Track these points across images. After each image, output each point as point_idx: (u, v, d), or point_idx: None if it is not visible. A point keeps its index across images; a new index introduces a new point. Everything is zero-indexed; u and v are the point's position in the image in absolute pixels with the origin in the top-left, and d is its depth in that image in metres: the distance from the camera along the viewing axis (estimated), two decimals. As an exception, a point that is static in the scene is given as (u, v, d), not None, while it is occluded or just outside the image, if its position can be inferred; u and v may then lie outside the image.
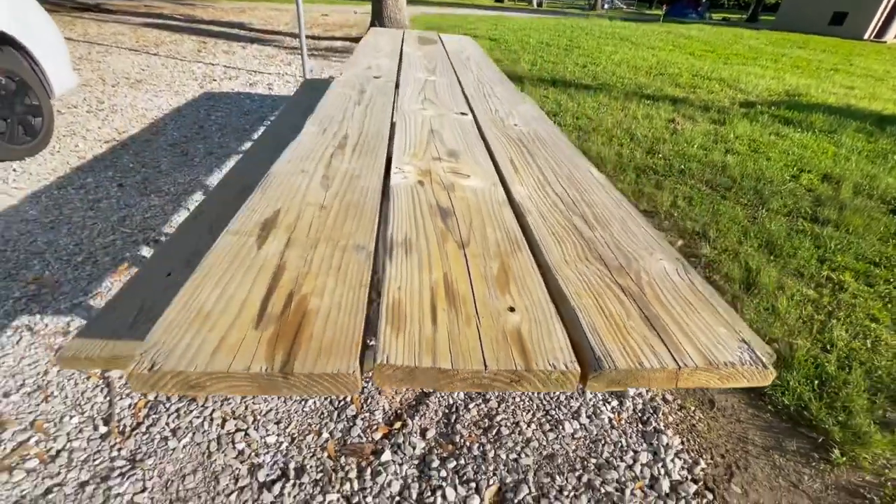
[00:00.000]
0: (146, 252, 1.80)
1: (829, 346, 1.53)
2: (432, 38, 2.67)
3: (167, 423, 1.16)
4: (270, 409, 1.22)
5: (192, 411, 1.19)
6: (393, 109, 1.29)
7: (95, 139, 2.73)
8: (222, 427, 1.16)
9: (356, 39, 6.74)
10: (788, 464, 1.19)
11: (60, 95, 2.70)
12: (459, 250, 0.64)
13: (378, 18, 6.54)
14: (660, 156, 3.11)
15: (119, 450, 1.09)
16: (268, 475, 1.06)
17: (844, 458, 1.18)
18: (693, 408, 1.35)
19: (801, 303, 1.74)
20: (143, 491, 1.02)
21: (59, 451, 1.08)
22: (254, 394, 0.43)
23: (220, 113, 3.35)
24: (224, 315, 0.49)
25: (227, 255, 0.58)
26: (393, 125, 1.17)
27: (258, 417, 1.19)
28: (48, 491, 1.00)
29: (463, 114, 1.28)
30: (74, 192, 2.15)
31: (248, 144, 2.85)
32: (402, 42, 2.42)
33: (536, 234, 0.70)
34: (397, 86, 1.55)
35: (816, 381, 1.39)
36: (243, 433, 1.15)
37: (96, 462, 1.06)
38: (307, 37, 5.04)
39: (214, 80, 4.17)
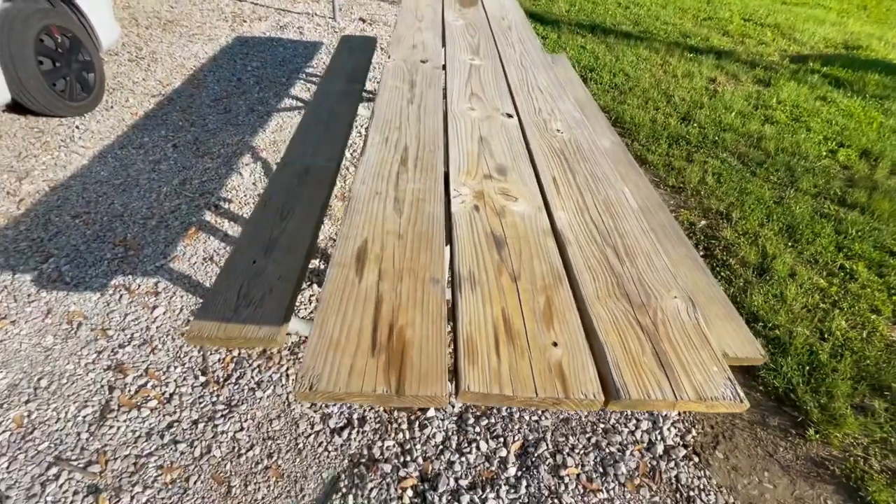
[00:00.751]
0: (209, 217, 2.00)
1: (826, 335, 1.69)
2: (472, -5, 2.60)
3: (252, 377, 1.42)
4: (334, 368, 1.46)
5: (270, 368, 1.44)
6: (444, 108, 1.38)
7: (143, 93, 2.84)
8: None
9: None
10: (768, 437, 1.41)
11: (108, 48, 2.78)
12: (513, 283, 0.81)
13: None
14: (695, 123, 3.08)
15: (217, 396, 1.36)
16: (336, 423, 1.32)
17: (818, 436, 1.39)
18: (692, 384, 1.55)
19: (810, 291, 1.87)
20: (241, 430, 1.29)
21: (171, 395, 1.36)
22: (375, 405, 0.63)
23: (256, 63, 3.38)
24: (348, 344, 0.67)
25: (338, 287, 0.76)
26: (446, 129, 1.27)
27: (325, 375, 1.44)
28: (169, 426, 1.29)
29: (508, 115, 1.37)
30: (135, 153, 2.32)
31: (287, 101, 2.93)
32: (443, 3, 2.38)
33: (575, 267, 0.86)
34: (444, 72, 1.61)
35: (807, 367, 1.57)
36: (314, 387, 1.40)
37: (202, 405, 1.34)
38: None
39: (245, 22, 4.12)
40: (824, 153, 2.88)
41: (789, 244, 2.12)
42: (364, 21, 4.43)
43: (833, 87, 3.85)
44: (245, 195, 2.14)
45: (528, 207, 1.00)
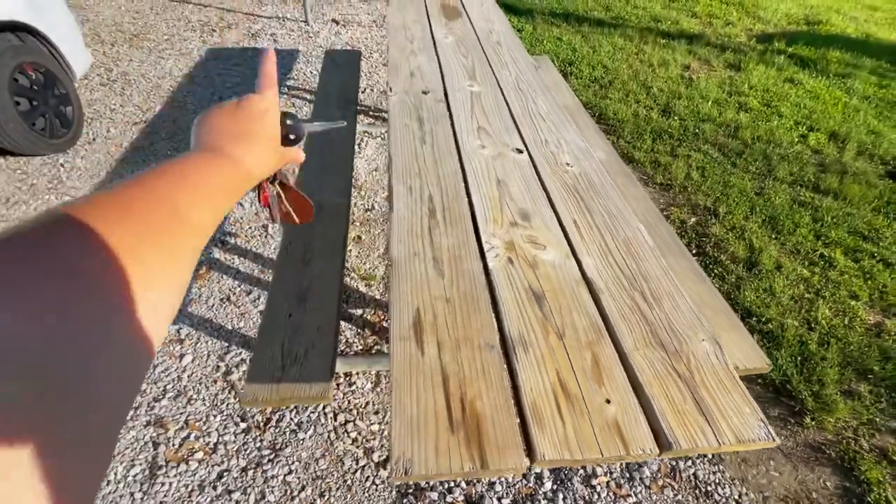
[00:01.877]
0: (217, 254, 2.00)
1: (813, 325, 1.84)
2: (455, 4, 2.60)
3: (291, 419, 1.47)
4: (368, 402, 1.53)
5: (307, 408, 1.50)
6: (455, 144, 1.43)
7: (123, 121, 2.76)
8: (335, 419, 1.47)
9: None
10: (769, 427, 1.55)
11: (81, 77, 2.67)
12: (560, 342, 0.88)
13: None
14: (675, 116, 3.19)
15: (261, 441, 1.42)
16: (380, 456, 1.40)
17: (813, 423, 1.54)
18: (699, 383, 1.69)
19: (795, 282, 2.02)
20: (290, 473, 1.35)
21: (216, 444, 1.40)
22: (461, 478, 0.71)
23: (235, 79, 3.30)
24: (428, 424, 0.74)
25: (404, 364, 0.82)
26: (462, 170, 1.32)
27: (360, 410, 1.51)
28: (220, 475, 1.34)
29: (519, 151, 1.43)
30: (129, 189, 2.27)
31: (273, 120, 2.88)
32: (428, 17, 2.38)
33: (611, 317, 0.94)
34: (447, 103, 1.65)
35: (800, 358, 1.72)
36: (353, 423, 1.47)
37: (247, 451, 1.39)
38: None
39: (214, 31, 3.98)
40: (796, 139, 3.04)
41: (773, 236, 2.27)
42: (337, 23, 4.34)
43: (799, 68, 4.02)
44: (250, 227, 2.14)
45: (556, 255, 1.07)
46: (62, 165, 2.38)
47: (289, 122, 0.50)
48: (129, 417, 1.44)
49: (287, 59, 3.61)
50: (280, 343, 1.20)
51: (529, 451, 0.73)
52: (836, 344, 1.77)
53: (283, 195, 0.54)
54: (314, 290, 1.34)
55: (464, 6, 2.58)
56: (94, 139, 2.59)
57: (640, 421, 0.77)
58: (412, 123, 1.52)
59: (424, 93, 1.71)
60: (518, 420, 0.77)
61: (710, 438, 0.76)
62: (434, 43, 2.10)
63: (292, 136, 0.50)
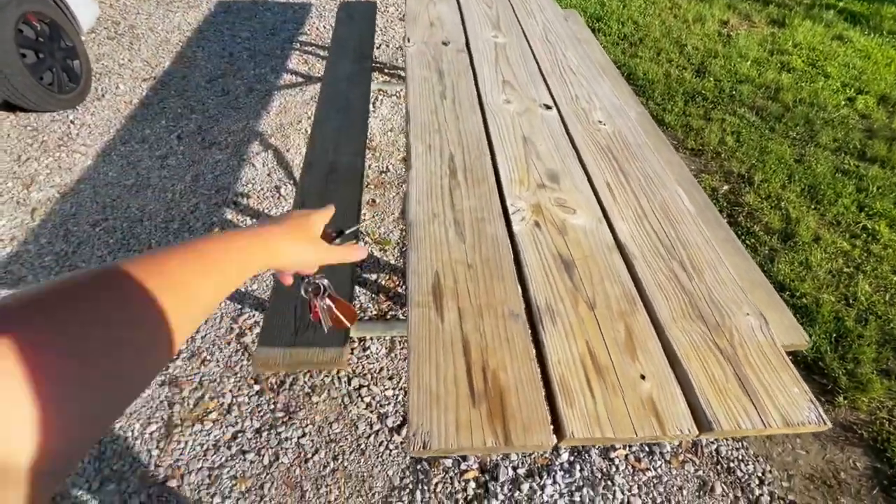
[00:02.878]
0: (230, 215, 1.96)
1: (851, 301, 1.74)
2: (477, -51, 2.39)
3: (305, 382, 1.46)
4: (382, 368, 1.50)
5: (321, 372, 1.48)
6: (479, 99, 1.33)
7: (132, 77, 2.68)
8: (349, 384, 1.46)
9: None
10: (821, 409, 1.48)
11: (88, 30, 2.58)
12: (590, 312, 0.82)
13: None
14: (710, 76, 2.98)
15: (275, 403, 1.41)
16: (394, 422, 1.38)
17: (846, 402, 1.47)
18: (725, 358, 1.62)
19: (834, 256, 1.90)
20: (304, 436, 1.35)
21: (230, 405, 1.40)
22: (483, 454, 0.66)
23: (245, 33, 3.17)
24: (448, 395, 0.69)
25: (423, 331, 0.77)
26: (486, 128, 1.23)
27: (374, 376, 1.48)
28: (234, 436, 1.34)
29: (547, 107, 1.32)
30: (139, 148, 2.23)
31: (286, 76, 2.78)
32: (449, -38, 2.20)
33: (647, 287, 0.86)
34: (469, 55, 1.53)
35: (834, 335, 1.63)
36: (367, 388, 1.45)
37: (261, 413, 1.39)
38: None
39: (224, -17, 3.80)
40: (842, 102, 2.82)
41: (812, 206, 2.13)
42: (351, -26, 4.10)
43: (849, 25, 3.70)
44: (262, 188, 2.09)
45: (588, 220, 0.99)
46: (72, 122, 2.33)
47: (328, 228, 0.58)
48: (145, 376, 1.45)
49: (299, 13, 3.45)
50: (293, 307, 1.16)
51: (557, 427, 0.68)
52: (875, 321, 1.67)
53: (332, 307, 0.63)
54: (327, 252, 1.29)
55: (487, -49, 2.38)
56: (103, 95, 2.52)
57: (677, 398, 0.71)
58: (432, 76, 1.42)
59: (444, 44, 1.58)
60: (545, 394, 0.71)
61: (754, 419, 0.70)
62: (455, -10, 1.95)
63: (337, 241, 0.59)
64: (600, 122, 1.29)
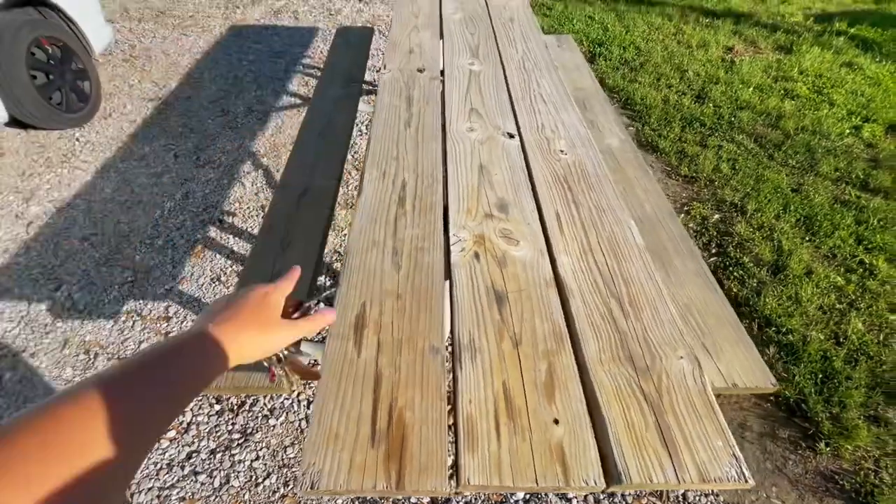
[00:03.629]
0: (213, 233, 2.00)
1: (842, 339, 1.65)
2: (471, -22, 2.45)
3: (265, 404, 1.45)
4: (344, 392, 1.49)
5: (282, 395, 1.47)
6: (443, 128, 1.33)
7: (140, 97, 2.80)
8: (308, 408, 1.44)
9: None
10: (778, 450, 1.41)
11: (101, 52, 2.72)
12: (514, 350, 0.79)
13: None
14: (710, 102, 2.94)
15: (233, 424, 1.40)
16: (349, 449, 1.36)
17: (828, 449, 1.39)
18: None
19: (826, 291, 1.82)
20: (257, 459, 1.34)
21: (189, 424, 1.40)
22: (374, 496, 0.64)
23: (252, 56, 3.29)
24: (348, 434, 0.68)
25: (336, 365, 0.76)
26: (445, 155, 1.23)
27: (335, 399, 1.47)
28: (189, 456, 1.34)
29: (510, 135, 1.32)
30: (137, 165, 2.31)
31: (285, 98, 2.87)
32: (440, -9, 2.25)
33: (578, 325, 0.84)
34: (442, 82, 1.55)
35: (821, 375, 1.55)
36: (325, 413, 1.43)
37: (218, 433, 1.38)
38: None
39: (238, 8, 3.98)
40: (847, 130, 2.74)
41: (806, 238, 2.05)
42: (361, 0, 4.25)
43: (860, 51, 3.62)
44: (248, 207, 2.13)
45: (530, 252, 0.97)
46: (77, 139, 2.44)
47: (291, 309, 0.56)
48: (110, 391, 1.47)
49: (306, 37, 3.57)
50: (243, 329, 1.16)
51: (456, 472, 0.66)
52: (865, 362, 1.58)
53: (287, 373, 0.60)
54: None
55: (480, -20, 2.43)
56: (110, 114, 2.64)
57: (588, 446, 0.68)
58: (400, 103, 1.44)
59: (420, 70, 1.61)
60: (451, 436, 0.69)
61: (668, 473, 0.66)
62: (441, 19, 1.99)
63: (296, 315, 0.56)
64: (562, 151, 1.28)
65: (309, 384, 1.50)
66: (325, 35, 3.60)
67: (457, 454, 0.67)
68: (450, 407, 0.73)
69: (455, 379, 0.76)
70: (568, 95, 1.53)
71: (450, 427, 0.70)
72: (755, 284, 1.85)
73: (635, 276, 0.94)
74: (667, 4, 4.29)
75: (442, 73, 1.61)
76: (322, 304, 0.61)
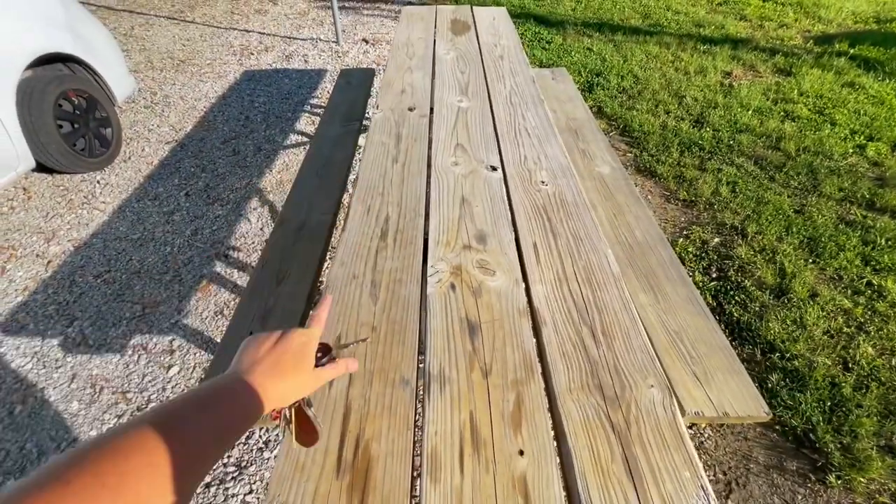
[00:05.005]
0: (219, 267, 2.07)
1: (851, 365, 1.60)
2: (466, 19, 2.58)
3: (260, 436, 1.47)
4: (338, 424, 1.49)
5: (278, 427, 1.49)
6: (428, 163, 1.39)
7: (157, 140, 2.97)
8: (302, 440, 1.45)
9: (387, -19, 6.35)
10: (785, 483, 1.35)
11: (123, 101, 2.91)
12: (483, 380, 0.80)
13: (409, -43, 6.09)
14: (708, 127, 2.96)
15: (228, 457, 1.42)
16: (341, 482, 1.35)
17: (839, 482, 1.32)
18: (704, 424, 1.51)
19: (832, 314, 1.77)
20: (250, 492, 1.34)
21: (185, 457, 1.42)
22: (340, 529, 0.65)
23: (263, 98, 3.46)
24: (314, 464, 0.69)
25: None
26: (428, 189, 1.28)
27: (329, 431, 1.47)
28: (184, 489, 1.35)
29: (493, 168, 1.36)
30: (151, 205, 2.43)
31: (293, 137, 3.00)
32: (435, 32, 2.37)
33: (549, 354, 0.85)
34: (431, 120, 1.61)
35: (829, 403, 1.49)
36: (319, 445, 1.44)
37: (214, 467, 1.40)
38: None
39: (252, 55, 4.23)
40: (851, 150, 2.71)
41: (810, 260, 2.01)
42: (367, 42, 4.47)
43: (862, 71, 3.62)
44: (253, 242, 2.21)
45: (505, 281, 0.99)
46: (98, 182, 2.59)
47: (318, 353, 0.57)
48: (112, 424, 1.51)
49: (314, 78, 3.76)
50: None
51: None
52: (877, 389, 1.52)
53: (291, 420, 0.56)
54: (278, 310, 1.34)
55: (475, 21, 2.56)
56: (129, 157, 2.80)
57: (552, 478, 0.68)
58: (389, 141, 1.50)
59: (410, 109, 1.68)
60: (418, 466, 0.70)
61: (632, 506, 0.65)
62: (434, 59, 2.09)
63: (324, 360, 0.58)
64: (542, 182, 1.31)
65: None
66: (332, 76, 3.79)
67: (420, 485, 0.67)
68: (418, 438, 0.74)
69: (423, 409, 0.77)
70: (552, 127, 1.58)
71: (416, 458, 0.71)
72: (757, 308, 1.81)
73: (609, 304, 0.95)
74: (664, 34, 4.39)
75: (431, 111, 1.68)
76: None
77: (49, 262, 2.09)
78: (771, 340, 1.68)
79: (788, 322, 1.74)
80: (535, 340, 0.88)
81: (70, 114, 2.47)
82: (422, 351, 0.86)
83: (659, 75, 3.63)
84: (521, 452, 0.71)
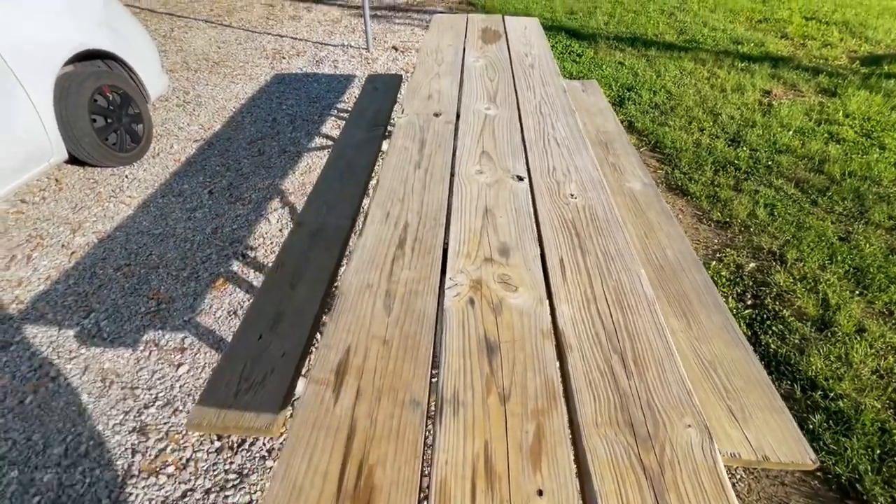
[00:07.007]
0: (236, 267, 2.06)
1: (902, 409, 1.46)
2: (497, 28, 2.54)
3: (263, 443, 1.42)
4: (344, 436, 1.44)
5: (281, 436, 1.44)
6: (451, 170, 1.34)
7: (186, 138, 3.01)
8: (307, 451, 1.40)
9: (419, -8, 6.43)
10: (823, 539, 1.22)
11: (156, 98, 2.97)
12: (501, 406, 0.73)
13: (442, -32, 6.15)
14: (745, 146, 2.83)
15: (230, 463, 1.38)
16: (343, 499, 1.29)
17: (890, 541, 1.19)
18: (736, 465, 1.39)
19: (882, 352, 1.63)
20: (250, 502, 1.29)
21: (188, 460, 1.39)
22: (335, 565, 0.58)
23: (291, 101, 3.50)
24: (312, 490, 0.63)
25: (310, 412, 0.72)
26: (450, 197, 1.22)
27: (334, 443, 1.42)
28: (184, 494, 1.31)
29: (519, 178, 1.30)
30: (174, 201, 2.45)
31: (317, 140, 3.00)
32: (465, 40, 2.34)
33: (574, 382, 0.77)
34: (457, 127, 1.57)
35: (878, 451, 1.36)
36: (323, 458, 1.38)
37: (215, 472, 1.36)
38: (370, -5, 4.85)
39: (284, 58, 4.29)
40: (902, 176, 2.54)
41: (857, 291, 1.87)
42: (396, 49, 4.49)
43: (914, 94, 3.42)
44: (271, 242, 2.19)
45: (528, 299, 0.93)
46: (126, 176, 2.63)
47: None
48: (118, 421, 1.49)
49: (342, 83, 3.78)
50: (241, 366, 1.16)
51: (422, 544, 0.59)
52: (933, 438, 1.37)
53: None
54: (290, 313, 1.30)
55: (506, 30, 2.52)
56: (158, 154, 2.85)
57: (575, 526, 0.60)
58: (413, 146, 1.46)
59: (436, 115, 1.64)
60: (421, 500, 0.63)
61: (666, 567, 0.57)
62: (462, 66, 2.05)
63: None
64: (572, 195, 1.24)
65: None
66: (360, 82, 3.81)
67: (425, 523, 0.61)
68: (426, 466, 0.67)
69: (434, 435, 0.70)
70: (583, 139, 1.51)
71: (423, 489, 0.65)
72: (797, 341, 1.68)
73: (642, 330, 0.87)
74: (700, 49, 4.27)
75: (457, 117, 1.64)
76: None
77: (73, 252, 2.12)
78: (812, 377, 1.55)
79: (832, 358, 1.61)
80: (558, 365, 0.80)
81: (104, 109, 2.53)
82: (435, 367, 0.80)
83: (693, 91, 3.52)
84: (540, 493, 0.63)
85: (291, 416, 1.50)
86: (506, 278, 0.98)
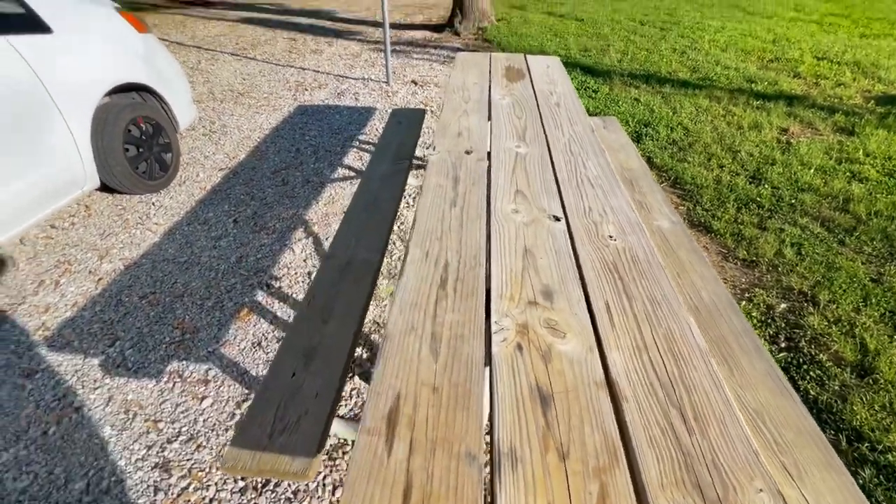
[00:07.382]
0: (260, 297, 2.05)
1: (956, 465, 1.39)
2: (520, 67, 2.61)
3: (289, 486, 1.38)
4: (371, 479, 1.39)
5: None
6: (488, 209, 1.34)
7: (212, 167, 3.08)
8: (333, 494, 1.35)
9: (436, 28, 6.67)
10: None
11: (184, 129, 3.06)
12: (560, 463, 0.71)
13: (460, 6, 6.42)
14: (766, 183, 2.83)
15: (254, 503, 1.33)
16: (371, 548, 1.24)
17: None
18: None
19: (927, 401, 1.57)
20: (274, 548, 1.24)
21: (210, 500, 1.34)
22: None
23: (314, 132, 3.58)
24: (370, 553, 0.60)
25: (364, 464, 0.70)
26: (489, 236, 1.22)
27: (361, 486, 1.37)
28: (206, 537, 1.26)
29: (556, 218, 1.30)
30: (200, 229, 2.48)
31: (340, 171, 3.05)
32: (490, 79, 2.40)
33: (634, 438, 0.74)
34: (489, 164, 1.58)
35: (934, 510, 1.28)
36: (350, 501, 1.33)
37: (238, 514, 1.31)
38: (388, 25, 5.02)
39: (306, 90, 4.43)
40: (930, 216, 2.52)
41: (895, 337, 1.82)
42: (416, 83, 4.62)
43: (933, 134, 3.43)
44: (295, 273, 2.20)
45: (577, 347, 0.91)
46: (153, 203, 2.68)
47: None
48: (140, 456, 1.46)
49: (364, 115, 3.87)
50: (276, 406, 1.13)
51: None
52: None
53: None
54: (322, 350, 1.28)
55: (528, 69, 2.58)
56: (184, 182, 2.90)
57: None
58: (447, 183, 1.47)
59: (467, 153, 1.66)
60: (485, 567, 0.60)
61: None
62: (490, 104, 2.09)
63: None
64: (611, 236, 1.23)
65: (335, 467, 1.42)
66: (381, 114, 3.90)
67: None
68: (485, 529, 0.64)
69: (493, 493, 0.67)
70: (616, 179, 1.52)
71: (484, 555, 0.62)
72: (838, 388, 1.63)
73: (698, 382, 0.84)
74: (714, 87, 4.35)
75: (489, 155, 1.66)
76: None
77: (100, 279, 2.14)
78: (857, 427, 1.49)
79: (877, 407, 1.55)
80: (615, 419, 0.78)
81: (137, 139, 2.60)
82: (490, 421, 0.78)
83: (710, 128, 3.56)
84: (611, 562, 0.60)
85: (342, 454, 1.46)
86: (552, 323, 0.96)
